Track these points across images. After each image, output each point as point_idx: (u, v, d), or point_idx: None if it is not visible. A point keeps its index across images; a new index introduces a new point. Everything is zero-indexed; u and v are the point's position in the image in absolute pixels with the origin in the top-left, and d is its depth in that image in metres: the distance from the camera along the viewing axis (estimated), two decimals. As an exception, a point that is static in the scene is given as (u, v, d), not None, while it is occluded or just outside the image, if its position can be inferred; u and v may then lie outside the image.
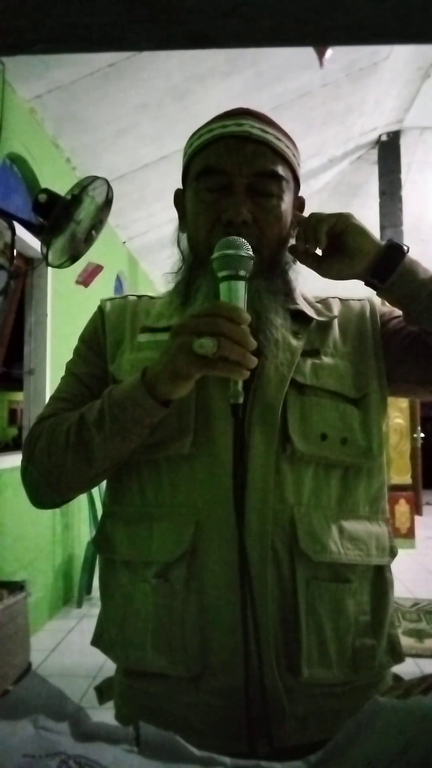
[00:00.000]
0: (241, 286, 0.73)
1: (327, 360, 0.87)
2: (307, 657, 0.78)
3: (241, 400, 0.72)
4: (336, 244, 0.83)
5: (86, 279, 3.53)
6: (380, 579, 0.86)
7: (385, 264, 0.82)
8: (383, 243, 0.83)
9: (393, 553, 0.88)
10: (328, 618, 0.80)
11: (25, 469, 0.88)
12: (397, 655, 0.87)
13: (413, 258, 0.83)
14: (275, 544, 0.79)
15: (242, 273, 0.73)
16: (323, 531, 0.81)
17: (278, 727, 0.78)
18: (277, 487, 0.80)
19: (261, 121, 0.85)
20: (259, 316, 0.81)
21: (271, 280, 0.85)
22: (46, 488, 0.86)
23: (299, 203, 0.92)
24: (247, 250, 0.74)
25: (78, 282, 3.51)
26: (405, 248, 0.83)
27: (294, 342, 0.85)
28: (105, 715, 0.60)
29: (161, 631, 0.80)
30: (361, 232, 0.82)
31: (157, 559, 0.81)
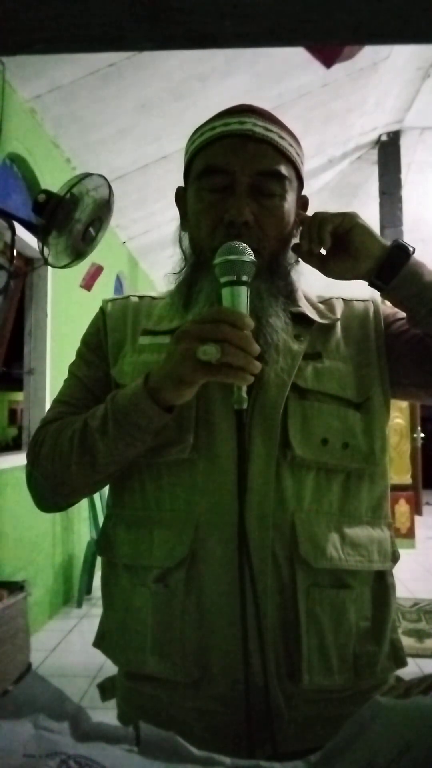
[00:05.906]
0: (244, 291, 0.73)
1: (329, 363, 0.86)
2: (308, 663, 0.78)
3: (245, 406, 0.71)
4: (340, 243, 0.81)
5: (88, 282, 3.52)
6: (382, 584, 0.85)
7: (390, 265, 0.80)
8: (389, 243, 0.82)
9: (395, 558, 0.87)
10: (329, 624, 0.79)
11: (30, 474, 0.88)
12: (400, 660, 0.86)
13: (418, 260, 0.81)
14: (275, 550, 0.79)
15: (244, 278, 0.73)
16: (324, 537, 0.80)
17: (279, 733, 0.78)
18: (277, 492, 0.79)
19: (264, 118, 0.83)
20: (259, 320, 0.80)
21: (272, 281, 0.84)
22: (51, 492, 0.86)
23: (303, 202, 0.90)
24: (250, 255, 0.73)
25: (81, 286, 3.50)
26: (411, 249, 0.81)
27: (295, 346, 0.84)
28: (105, 715, 0.60)
29: (160, 636, 0.80)
30: (367, 232, 0.81)
31: (157, 564, 0.80)
